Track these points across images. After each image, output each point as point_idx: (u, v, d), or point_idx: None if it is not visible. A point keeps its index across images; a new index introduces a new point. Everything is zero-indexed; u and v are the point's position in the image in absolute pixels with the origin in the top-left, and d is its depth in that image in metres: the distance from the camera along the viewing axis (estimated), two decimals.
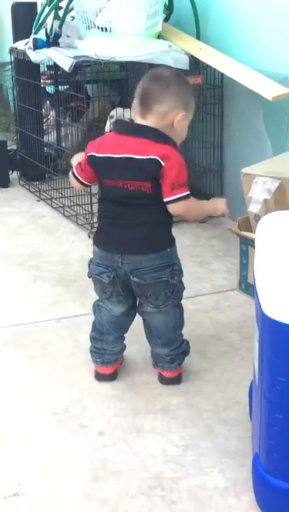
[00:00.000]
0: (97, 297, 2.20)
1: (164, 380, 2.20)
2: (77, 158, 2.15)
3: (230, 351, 2.39)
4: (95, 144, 2.05)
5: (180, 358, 2.19)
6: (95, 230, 3.32)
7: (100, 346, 2.20)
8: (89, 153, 2.03)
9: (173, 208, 1.99)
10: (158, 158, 1.92)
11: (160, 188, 1.96)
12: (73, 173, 2.11)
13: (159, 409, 2.07)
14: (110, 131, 2.11)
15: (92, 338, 2.23)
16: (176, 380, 2.19)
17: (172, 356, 2.17)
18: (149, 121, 1.99)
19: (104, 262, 2.08)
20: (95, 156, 2.02)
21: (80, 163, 2.09)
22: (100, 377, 2.22)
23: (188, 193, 1.99)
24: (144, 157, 1.93)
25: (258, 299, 1.57)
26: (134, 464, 1.84)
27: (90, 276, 2.16)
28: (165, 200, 1.97)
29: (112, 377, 2.22)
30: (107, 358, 2.20)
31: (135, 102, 2.01)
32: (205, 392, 2.15)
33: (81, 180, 2.10)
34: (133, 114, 2.04)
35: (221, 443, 1.92)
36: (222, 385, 2.18)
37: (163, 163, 1.92)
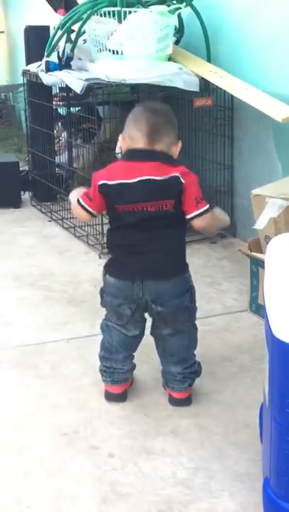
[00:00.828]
0: (106, 319, 2.20)
1: (174, 402, 2.19)
2: (76, 194, 2.15)
3: (241, 373, 2.38)
4: (102, 174, 2.05)
5: (191, 378, 2.19)
6: (106, 250, 3.36)
7: (110, 365, 2.20)
8: (100, 183, 2.03)
9: (199, 223, 2.04)
10: (179, 175, 1.98)
11: (180, 205, 2.01)
12: (81, 205, 2.09)
13: (168, 431, 2.07)
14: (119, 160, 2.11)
15: (102, 358, 2.23)
16: (187, 402, 2.18)
17: (184, 375, 2.16)
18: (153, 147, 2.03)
19: (121, 293, 2.06)
20: (107, 184, 2.02)
21: (86, 194, 2.08)
22: (109, 396, 2.22)
23: (210, 205, 2.04)
24: (165, 176, 1.98)
25: (267, 320, 1.56)
26: (143, 486, 1.83)
27: (104, 306, 2.15)
28: (191, 215, 2.02)
29: (121, 397, 2.21)
30: (117, 377, 2.20)
31: (139, 134, 2.02)
32: (215, 414, 2.14)
33: (90, 210, 2.09)
34: (134, 143, 2.04)
35: (231, 466, 1.90)
36: (232, 407, 2.17)
37: (183, 180, 1.98)
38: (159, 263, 2.03)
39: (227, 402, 2.21)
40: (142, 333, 2.19)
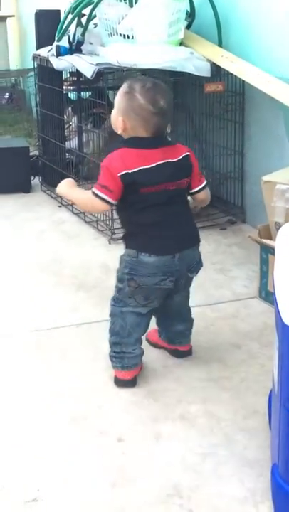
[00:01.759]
0: (118, 305, 2.22)
1: (182, 354, 2.38)
2: (67, 187, 2.26)
3: (250, 359, 2.39)
4: (118, 164, 2.07)
5: (191, 331, 2.39)
6: (116, 235, 3.37)
7: (120, 350, 2.22)
8: (121, 173, 2.06)
9: (201, 196, 2.25)
10: (189, 155, 2.17)
11: (189, 181, 2.19)
12: (101, 198, 2.10)
13: (177, 416, 2.08)
14: (122, 147, 2.12)
15: (112, 343, 2.25)
16: (191, 352, 2.39)
17: (190, 329, 2.37)
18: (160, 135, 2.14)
19: (159, 270, 2.13)
20: (128, 173, 2.07)
21: (103, 187, 2.09)
22: (119, 382, 2.23)
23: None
24: (179, 157, 2.14)
25: (277, 307, 1.56)
26: (152, 471, 1.84)
27: (133, 290, 2.15)
28: (196, 189, 2.22)
29: (131, 383, 2.23)
30: (127, 362, 2.22)
31: (144, 133, 2.09)
32: (224, 400, 2.15)
33: (111, 201, 2.11)
34: (137, 133, 2.10)
35: (240, 452, 1.91)
36: (241, 394, 2.18)
37: (191, 158, 2.18)
38: (190, 233, 2.21)
39: (236, 388, 2.21)
40: (153, 311, 2.28)
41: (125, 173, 2.07)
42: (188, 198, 2.26)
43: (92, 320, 2.69)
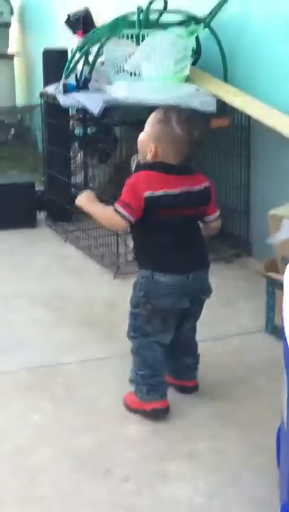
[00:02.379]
0: (144, 335, 2.21)
1: (189, 390, 2.35)
2: (87, 200, 2.29)
3: (257, 394, 2.35)
4: (144, 186, 2.13)
5: (198, 367, 2.38)
6: (121, 270, 3.35)
7: (158, 381, 2.23)
8: (146, 195, 2.12)
9: (214, 224, 2.32)
10: (209, 186, 2.25)
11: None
12: (122, 215, 2.14)
13: (184, 454, 2.04)
14: (140, 170, 2.20)
15: (147, 377, 2.22)
16: (197, 388, 2.36)
17: (196, 363, 2.37)
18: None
19: (175, 289, 2.16)
20: (153, 195, 2.13)
21: (126, 204, 2.13)
22: (160, 412, 2.21)
23: None
24: (200, 187, 2.22)
25: (286, 342, 1.54)
26: (160, 511, 1.79)
27: (149, 318, 2.18)
28: (214, 215, 2.30)
29: (168, 410, 2.23)
30: (164, 390, 2.24)
31: (175, 159, 2.17)
32: (231, 436, 2.11)
33: (131, 219, 2.15)
34: (166, 159, 2.16)
35: (248, 491, 1.87)
36: (249, 430, 2.14)
37: (210, 189, 2.27)
38: (202, 255, 2.27)
39: (243, 424, 2.17)
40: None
41: (150, 195, 2.12)
42: (200, 225, 2.31)
43: (95, 357, 2.66)
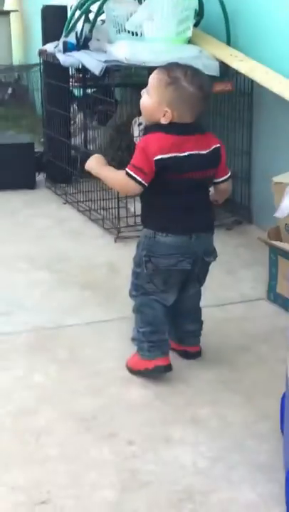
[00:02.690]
0: (145, 294, 2.23)
1: (192, 355, 2.36)
2: (96, 162, 2.27)
3: (260, 362, 2.37)
4: (155, 149, 2.10)
5: (201, 333, 2.39)
6: (122, 234, 3.34)
7: (158, 338, 2.24)
8: (157, 158, 2.10)
9: (224, 186, 2.29)
10: (219, 147, 2.21)
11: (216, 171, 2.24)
12: (135, 179, 2.12)
13: (187, 419, 2.05)
14: (152, 132, 2.15)
15: (147, 334, 2.23)
16: (200, 354, 2.37)
17: (200, 330, 2.37)
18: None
19: (178, 250, 2.16)
20: (163, 158, 2.10)
21: (139, 169, 2.11)
22: (161, 369, 2.23)
23: None
24: (209, 149, 2.17)
25: None
26: (164, 475, 1.82)
27: (150, 272, 2.19)
28: (221, 179, 2.26)
29: (170, 367, 2.25)
30: (165, 348, 2.26)
31: (189, 114, 2.14)
32: (234, 403, 2.13)
33: (144, 183, 2.13)
34: (181, 119, 2.13)
35: (251, 457, 1.89)
36: (252, 397, 2.16)
37: (221, 151, 2.23)
38: (207, 219, 2.25)
39: (246, 391, 2.19)
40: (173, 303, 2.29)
41: (160, 158, 2.10)
42: (210, 189, 2.30)
43: (98, 319, 2.66)
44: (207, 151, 2.17)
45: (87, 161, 2.31)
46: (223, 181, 2.27)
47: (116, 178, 2.21)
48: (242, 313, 2.73)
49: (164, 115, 2.12)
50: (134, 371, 2.27)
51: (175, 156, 2.11)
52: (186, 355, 2.37)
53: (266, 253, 2.81)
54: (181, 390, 2.19)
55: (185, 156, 2.12)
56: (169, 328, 2.37)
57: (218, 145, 2.21)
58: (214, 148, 2.19)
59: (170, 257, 2.17)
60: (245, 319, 2.68)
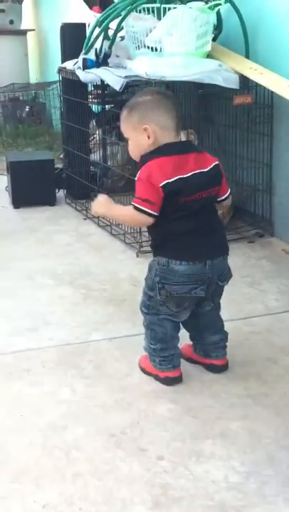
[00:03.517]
0: (157, 314, 2.24)
1: (218, 369, 2.33)
2: (104, 207, 2.24)
3: (288, 375, 2.34)
4: (159, 175, 2.07)
5: (226, 345, 2.36)
6: (144, 248, 3.33)
7: (169, 353, 2.26)
8: (163, 183, 2.07)
9: (227, 202, 2.28)
10: (218, 164, 2.20)
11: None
12: (144, 212, 2.09)
13: (217, 433, 2.03)
14: (150, 160, 2.12)
15: (158, 350, 2.26)
16: (227, 367, 2.35)
17: (224, 341, 2.35)
18: (179, 137, 2.22)
19: (191, 278, 2.14)
20: (169, 182, 2.08)
21: (144, 200, 2.08)
22: (171, 381, 2.26)
23: None
24: (209, 167, 2.16)
25: None
26: (196, 490, 1.79)
27: (164, 298, 2.17)
28: (224, 196, 2.24)
29: (181, 379, 2.28)
30: (176, 361, 2.28)
31: (171, 123, 2.14)
32: (264, 417, 2.11)
33: (154, 214, 2.10)
34: (164, 135, 2.13)
35: (284, 471, 1.86)
36: (282, 410, 2.13)
37: (220, 168, 2.22)
38: (222, 241, 2.23)
39: (276, 405, 2.17)
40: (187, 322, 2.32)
41: (167, 183, 2.08)
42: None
43: (123, 334, 2.65)
44: (208, 168, 2.15)
45: (92, 207, 2.29)
46: (226, 198, 2.25)
47: (126, 214, 2.18)
48: (268, 326, 2.71)
49: (146, 132, 2.11)
50: (146, 372, 2.33)
51: (180, 178, 2.09)
52: (213, 368, 2.35)
53: None
54: (209, 404, 2.17)
55: (189, 176, 2.10)
56: (194, 342, 2.38)
57: (217, 162, 2.19)
58: (214, 166, 2.17)
59: (184, 284, 2.14)
60: (271, 332, 2.66)
